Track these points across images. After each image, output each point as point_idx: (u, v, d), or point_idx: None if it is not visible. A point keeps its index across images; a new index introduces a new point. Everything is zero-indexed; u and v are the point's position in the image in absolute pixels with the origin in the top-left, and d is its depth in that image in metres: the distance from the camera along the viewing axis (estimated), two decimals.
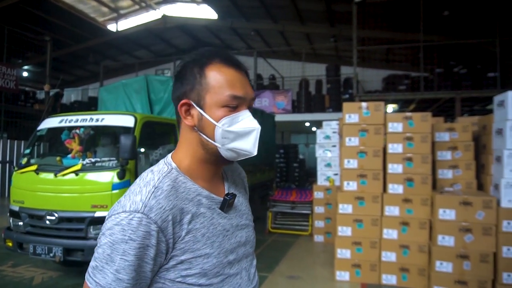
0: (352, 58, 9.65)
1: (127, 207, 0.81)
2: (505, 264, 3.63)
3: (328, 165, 6.42)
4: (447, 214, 3.86)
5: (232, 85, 0.88)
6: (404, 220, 4.17)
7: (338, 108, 11.29)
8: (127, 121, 4.20)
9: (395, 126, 4.36)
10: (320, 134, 6.64)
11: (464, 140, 4.46)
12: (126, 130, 4.09)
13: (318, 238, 6.29)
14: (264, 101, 11.70)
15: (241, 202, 1.02)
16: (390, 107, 11.15)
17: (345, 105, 4.70)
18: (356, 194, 4.38)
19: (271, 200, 7.16)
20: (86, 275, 0.83)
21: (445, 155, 4.49)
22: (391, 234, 4.22)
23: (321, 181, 6.45)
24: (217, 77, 0.87)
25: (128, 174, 3.93)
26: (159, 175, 0.87)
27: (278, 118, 10.71)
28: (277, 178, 12.96)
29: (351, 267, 4.28)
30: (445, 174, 4.48)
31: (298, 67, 13.49)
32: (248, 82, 0.92)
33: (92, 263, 0.83)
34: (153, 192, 0.82)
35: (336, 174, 6.29)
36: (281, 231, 6.99)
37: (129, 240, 0.78)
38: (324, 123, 6.86)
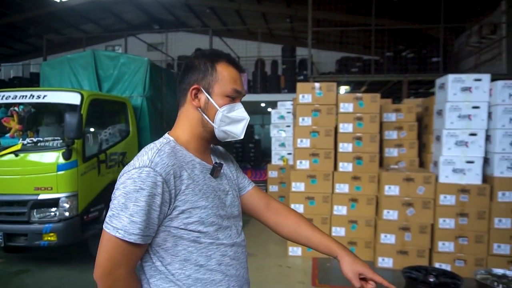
0: (307, 40, 9.75)
1: (136, 165, 0.99)
2: (440, 234, 3.95)
3: (282, 144, 6.53)
4: (392, 190, 4.10)
5: (235, 81, 1.11)
6: (353, 197, 4.38)
7: (293, 89, 11.42)
8: (72, 98, 3.97)
9: (346, 107, 4.50)
10: (274, 114, 6.70)
11: (409, 120, 4.72)
12: (71, 108, 3.88)
13: None
14: None
15: (227, 173, 1.22)
16: (343, 89, 11.49)
17: (299, 85, 4.77)
18: (309, 173, 4.51)
19: None
20: (104, 224, 0.98)
21: (392, 135, 4.73)
22: (341, 210, 4.42)
23: (275, 160, 6.56)
24: (224, 73, 1.10)
25: (74, 155, 3.75)
26: (159, 143, 1.06)
27: None
28: None
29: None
30: (391, 152, 4.74)
31: (254, 47, 13.41)
32: (242, 81, 1.15)
33: (108, 214, 0.98)
34: (157, 153, 1.01)
35: (290, 154, 6.43)
36: None
37: (140, 189, 0.95)
38: (278, 103, 6.93)
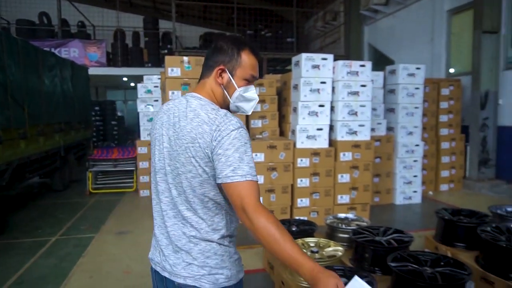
0: (170, 12, 9.51)
1: (233, 127, 1.16)
2: (298, 192, 4.60)
3: (151, 119, 6.38)
4: (258, 157, 4.53)
5: (253, 68, 1.31)
6: None
7: (157, 63, 11.07)
8: None
9: None
10: (141, 89, 6.47)
11: (270, 94, 5.22)
12: None
13: (144, 192, 6.33)
14: (73, 52, 10.36)
15: None
16: None
17: (167, 58, 4.72)
18: None
19: (90, 160, 6.67)
20: (229, 180, 1.12)
21: (256, 107, 5.16)
22: None
23: (144, 136, 6.39)
24: (247, 60, 1.29)
25: None
26: (221, 110, 1.24)
27: (92, 71, 9.74)
28: (93, 138, 12.00)
29: None
30: (256, 123, 5.18)
31: (112, 16, 12.36)
32: (258, 68, 1.34)
33: (228, 170, 1.13)
34: (234, 117, 1.21)
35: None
36: (104, 190, 6.69)
37: (245, 143, 1.17)
38: (145, 77, 6.69)
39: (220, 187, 1.19)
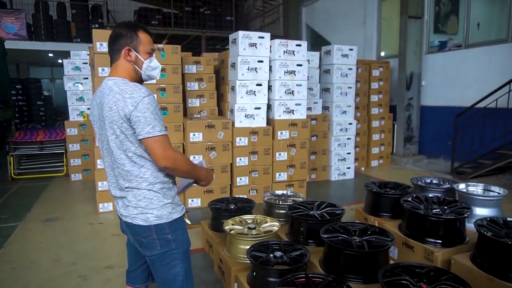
0: None
1: (142, 95, 1.47)
2: (238, 171, 4.62)
3: (81, 98, 5.94)
4: (196, 137, 4.45)
5: (151, 42, 1.64)
6: None
7: (87, 39, 10.26)
8: None
9: None
10: (68, 65, 5.95)
11: (208, 72, 5.11)
12: None
13: (76, 176, 5.95)
14: None
15: None
16: None
17: (96, 32, 4.37)
18: None
19: (11, 142, 6.08)
20: (149, 134, 1.45)
21: (193, 86, 5.03)
22: None
23: (73, 116, 5.94)
24: (144, 38, 1.61)
25: None
26: (129, 82, 1.55)
27: (10, 45, 8.79)
28: (16, 120, 10.95)
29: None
30: (194, 102, 5.06)
31: None
32: None
33: (148, 127, 1.45)
34: (142, 86, 1.54)
35: (89, 108, 5.92)
36: (29, 176, 6.17)
37: (155, 107, 1.49)
38: (72, 52, 6.18)
39: (141, 142, 1.51)
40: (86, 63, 5.94)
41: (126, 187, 1.57)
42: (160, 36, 10.41)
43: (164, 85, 4.52)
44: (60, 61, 12.70)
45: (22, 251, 3.38)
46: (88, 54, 5.84)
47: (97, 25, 10.45)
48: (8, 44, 8.58)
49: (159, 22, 10.67)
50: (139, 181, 1.55)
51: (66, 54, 6.90)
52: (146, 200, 1.56)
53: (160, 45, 4.55)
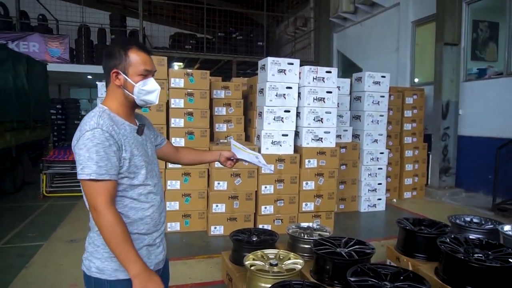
0: (138, 10, 9.20)
1: (87, 128, 1.29)
2: (263, 199, 4.48)
3: None
4: None
5: (145, 63, 1.43)
6: (186, 171, 4.48)
7: None
8: None
9: (177, 82, 4.51)
10: (102, 87, 6.12)
11: (236, 98, 5.09)
12: None
13: None
14: (32, 46, 9.77)
15: (146, 133, 1.56)
16: (176, 66, 11.42)
17: None
18: None
19: (45, 161, 6.27)
20: (79, 177, 1.27)
21: (221, 111, 5.01)
22: (174, 185, 4.47)
23: None
24: (136, 57, 1.41)
25: None
26: (98, 111, 1.37)
27: (53, 67, 9.24)
28: (54, 138, 11.40)
29: None
30: (221, 127, 5.03)
31: (76, 11, 11.80)
32: (152, 60, 1.47)
33: (78, 168, 1.27)
34: (99, 117, 1.33)
35: None
36: (60, 194, 6.30)
37: (97, 144, 1.28)
38: None
39: None
40: None
41: (89, 227, 1.45)
42: (193, 60, 10.67)
43: (191, 110, 4.53)
44: (98, 82, 13.27)
45: (43, 273, 3.37)
46: None
47: None
48: (52, 67, 9.02)
49: (192, 46, 10.96)
50: (93, 223, 1.35)
51: (103, 76, 7.17)
52: (93, 246, 1.39)
53: (189, 70, 4.60)
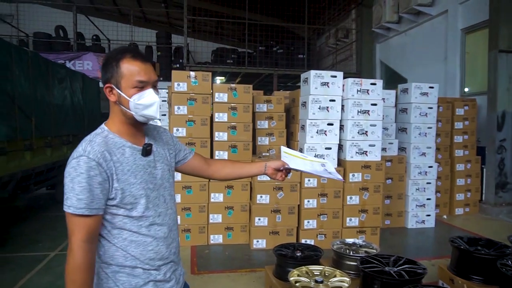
0: (183, 27, 9.58)
1: (74, 156, 1.20)
2: (305, 213, 4.42)
3: None
4: (264, 176, 4.38)
5: (139, 73, 1.25)
6: (229, 184, 4.53)
7: (169, 77, 11.05)
8: None
9: (221, 96, 4.61)
10: None
11: (278, 111, 5.10)
12: None
13: None
14: (87, 65, 10.46)
15: (159, 151, 1.40)
16: (218, 80, 11.70)
17: (174, 73, 4.67)
18: None
19: None
20: (63, 207, 1.18)
21: (263, 124, 5.05)
22: (218, 197, 4.53)
23: None
24: (128, 67, 1.25)
25: None
26: (92, 135, 1.27)
27: None
28: None
29: (181, 232, 4.42)
30: (263, 141, 5.06)
31: (126, 30, 12.52)
32: (152, 69, 1.29)
33: (64, 198, 1.17)
34: (88, 144, 1.22)
35: None
36: None
37: (80, 173, 1.16)
38: None
39: None
40: (165, 100, 6.35)
41: None
42: (235, 74, 10.88)
43: (234, 124, 4.60)
44: None
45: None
46: (167, 92, 6.25)
47: (178, 65, 11.28)
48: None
49: (234, 61, 11.20)
50: (98, 252, 1.28)
51: None
52: (96, 277, 1.28)
53: (232, 85, 4.69)
